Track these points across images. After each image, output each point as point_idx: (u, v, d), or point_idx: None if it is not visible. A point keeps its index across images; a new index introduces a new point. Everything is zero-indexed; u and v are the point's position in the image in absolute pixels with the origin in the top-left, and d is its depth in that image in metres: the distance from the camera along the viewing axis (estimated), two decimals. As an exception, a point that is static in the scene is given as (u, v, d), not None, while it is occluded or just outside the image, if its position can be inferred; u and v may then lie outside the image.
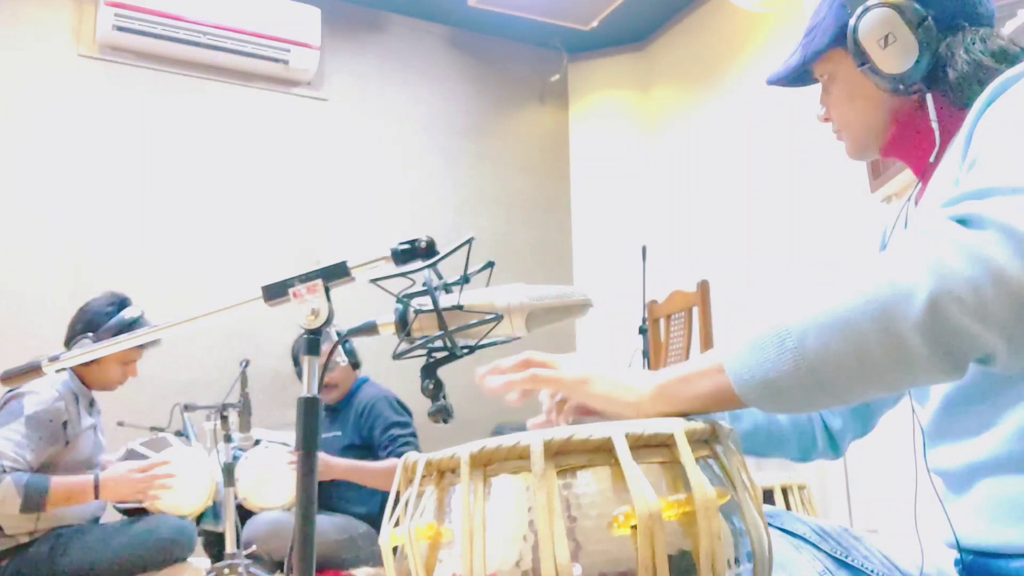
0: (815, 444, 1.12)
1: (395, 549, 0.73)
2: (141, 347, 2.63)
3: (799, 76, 1.11)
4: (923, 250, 0.64)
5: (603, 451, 0.65)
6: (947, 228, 0.65)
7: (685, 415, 0.74)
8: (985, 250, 0.62)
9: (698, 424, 0.69)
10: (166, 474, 2.56)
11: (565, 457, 0.65)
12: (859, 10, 0.97)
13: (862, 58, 0.98)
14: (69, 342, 2.55)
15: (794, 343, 0.67)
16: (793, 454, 1.13)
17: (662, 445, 0.66)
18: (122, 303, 2.62)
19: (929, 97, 0.96)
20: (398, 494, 0.75)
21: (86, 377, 2.62)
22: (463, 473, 0.67)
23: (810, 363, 0.66)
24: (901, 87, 0.97)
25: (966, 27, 0.95)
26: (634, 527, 0.62)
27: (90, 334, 2.51)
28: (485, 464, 0.68)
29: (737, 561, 0.66)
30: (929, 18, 0.94)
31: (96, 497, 2.47)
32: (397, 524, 0.73)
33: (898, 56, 0.95)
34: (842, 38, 1.01)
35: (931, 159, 0.98)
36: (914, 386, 0.69)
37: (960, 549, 0.89)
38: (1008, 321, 0.62)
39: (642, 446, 0.66)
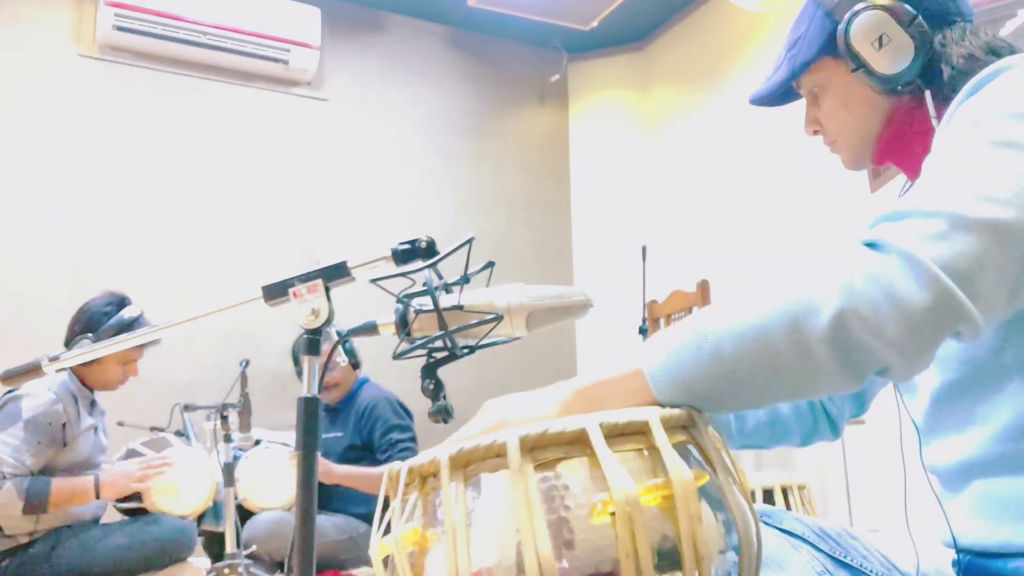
0: (816, 429, 1.16)
1: (386, 560, 0.73)
2: (141, 347, 2.63)
3: (782, 94, 1.10)
4: (835, 271, 0.69)
5: (579, 442, 0.66)
6: (857, 252, 0.71)
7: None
8: (884, 274, 0.68)
9: (674, 411, 0.70)
10: (163, 463, 2.56)
11: (542, 451, 0.66)
12: (848, 15, 0.97)
13: (857, 62, 0.97)
14: (69, 342, 2.55)
15: (711, 348, 0.70)
16: (795, 441, 1.17)
17: (638, 432, 0.67)
18: (121, 303, 2.62)
19: (928, 94, 0.96)
20: (386, 503, 0.76)
21: (86, 377, 2.62)
22: (443, 476, 0.68)
23: (725, 367, 0.70)
24: (899, 87, 0.97)
25: (956, 21, 0.96)
26: (613, 514, 0.62)
27: (90, 334, 2.51)
28: (464, 465, 0.68)
29: (723, 545, 0.66)
30: (919, 15, 0.95)
31: (97, 497, 2.48)
32: (387, 534, 0.73)
33: (893, 56, 0.95)
34: (830, 47, 1.00)
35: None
36: (817, 394, 0.73)
37: (957, 549, 0.89)
38: (902, 339, 0.67)
39: (617, 435, 0.66)
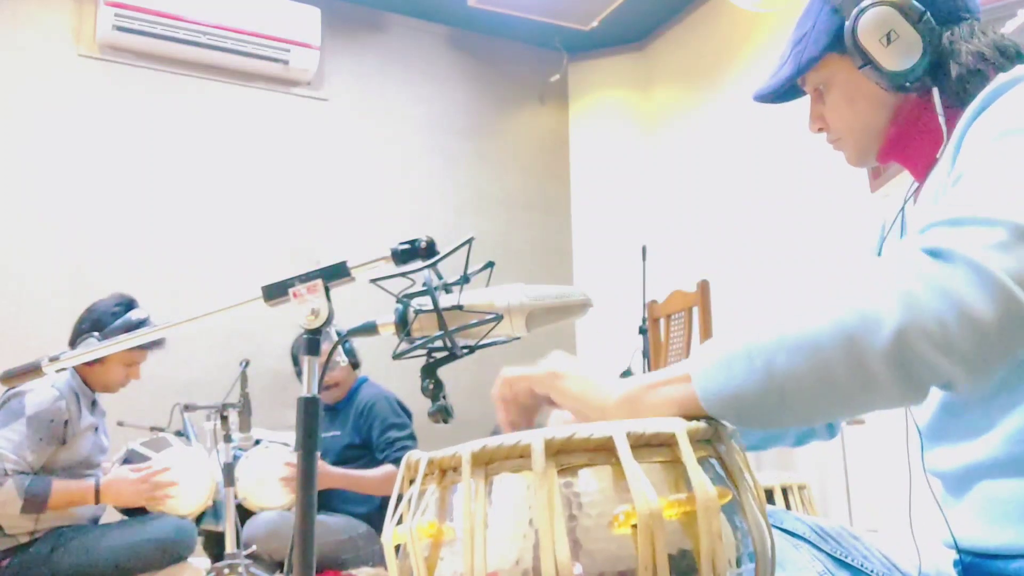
0: (812, 430, 1.15)
1: (397, 548, 0.73)
2: (145, 349, 2.64)
3: (786, 91, 1.09)
4: (894, 281, 0.66)
5: (604, 450, 0.65)
6: (918, 260, 0.67)
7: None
8: (953, 286, 0.65)
9: (700, 424, 0.69)
10: (168, 482, 2.57)
11: (566, 456, 0.65)
12: (855, 11, 0.97)
13: (864, 58, 0.97)
14: (74, 341, 2.56)
15: (763, 363, 0.68)
16: (790, 442, 1.16)
17: (663, 444, 0.66)
18: (129, 304, 2.63)
19: (935, 92, 0.96)
20: (400, 492, 0.75)
21: (89, 377, 2.62)
22: (464, 472, 0.67)
23: (777, 383, 0.68)
24: (907, 84, 0.96)
25: (965, 18, 0.96)
26: (634, 526, 0.62)
27: (95, 334, 2.51)
28: (486, 463, 0.68)
29: (739, 561, 0.66)
30: (927, 12, 0.94)
31: (97, 502, 2.48)
32: (400, 522, 0.73)
33: (901, 53, 0.95)
34: (837, 43, 1.00)
35: (938, 155, 0.97)
36: (874, 409, 0.71)
37: (958, 550, 0.89)
38: (970, 354, 0.65)
39: (643, 445, 0.66)
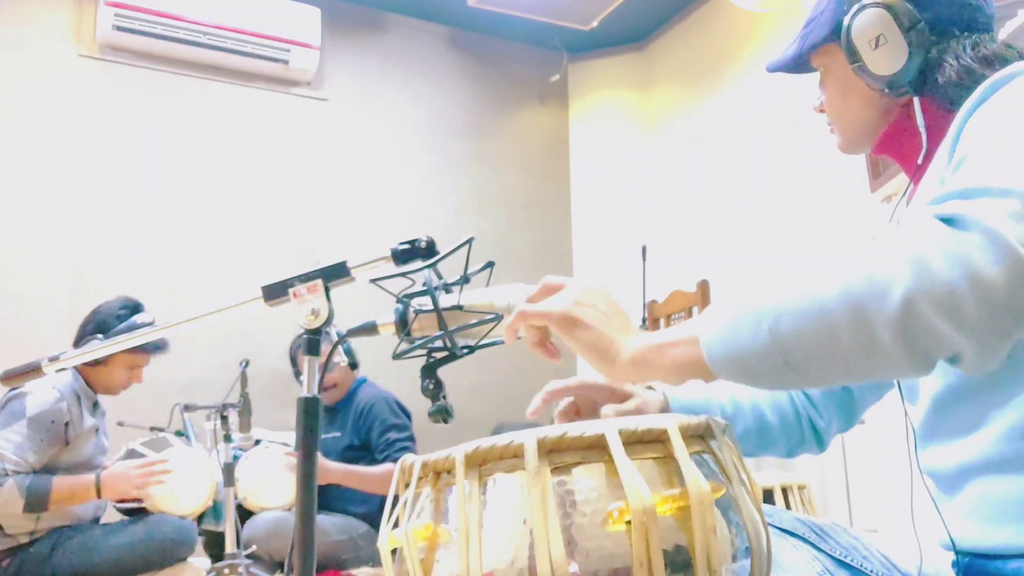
0: (802, 440, 1.15)
1: (394, 552, 0.73)
2: (148, 353, 2.64)
3: (798, 65, 1.11)
4: (905, 246, 0.64)
5: (597, 448, 0.65)
6: (931, 226, 0.65)
7: (657, 380, 0.76)
8: (966, 252, 0.62)
9: (692, 419, 0.70)
10: (163, 470, 2.57)
11: (559, 455, 0.66)
12: (854, 8, 0.97)
13: (854, 57, 0.98)
14: (78, 342, 2.56)
15: (769, 325, 0.68)
16: (781, 451, 1.17)
17: (656, 441, 0.67)
18: (135, 308, 2.63)
19: (916, 101, 0.96)
20: (396, 496, 0.75)
21: (91, 379, 2.62)
22: (458, 473, 0.67)
23: (782, 346, 0.67)
24: (889, 88, 0.97)
25: (958, 34, 0.95)
26: (629, 522, 0.62)
27: (99, 336, 2.51)
28: (480, 464, 0.68)
29: (734, 556, 0.66)
30: (923, 22, 0.94)
31: (98, 495, 2.48)
32: (396, 526, 0.73)
33: (887, 58, 0.95)
34: (837, 33, 1.01)
35: (919, 161, 0.98)
36: (880, 378, 0.70)
37: (956, 551, 0.89)
38: (980, 325, 0.62)
39: (635, 442, 0.66)
